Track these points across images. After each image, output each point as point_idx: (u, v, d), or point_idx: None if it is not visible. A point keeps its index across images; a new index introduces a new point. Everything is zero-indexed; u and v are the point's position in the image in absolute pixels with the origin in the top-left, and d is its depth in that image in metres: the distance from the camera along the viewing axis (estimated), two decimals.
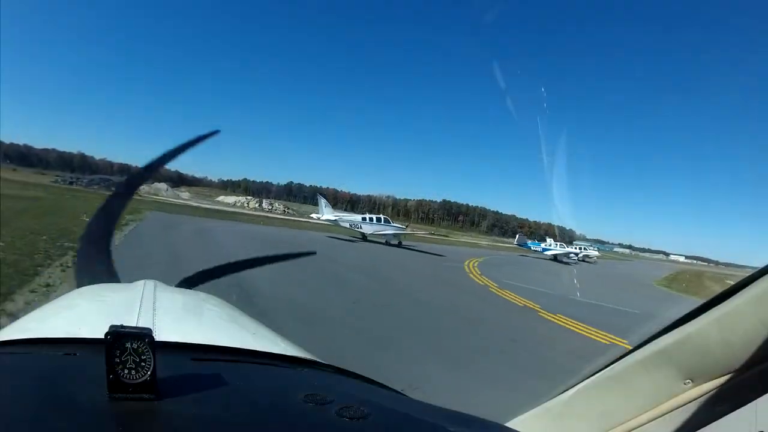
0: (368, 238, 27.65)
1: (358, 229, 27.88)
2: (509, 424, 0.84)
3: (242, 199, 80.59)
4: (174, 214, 28.49)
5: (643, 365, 0.63)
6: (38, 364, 0.69)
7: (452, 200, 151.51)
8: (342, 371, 0.97)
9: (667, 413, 0.61)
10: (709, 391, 0.57)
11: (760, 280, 0.51)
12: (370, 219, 28.96)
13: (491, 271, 20.37)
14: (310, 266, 12.61)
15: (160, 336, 0.74)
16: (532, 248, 39.64)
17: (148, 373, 0.57)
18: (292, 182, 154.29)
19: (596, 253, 46.81)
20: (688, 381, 0.58)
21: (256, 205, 75.23)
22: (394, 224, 30.15)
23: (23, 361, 0.70)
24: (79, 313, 1.11)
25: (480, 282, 16.04)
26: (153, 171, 1.83)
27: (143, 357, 0.57)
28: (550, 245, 38.16)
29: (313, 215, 30.45)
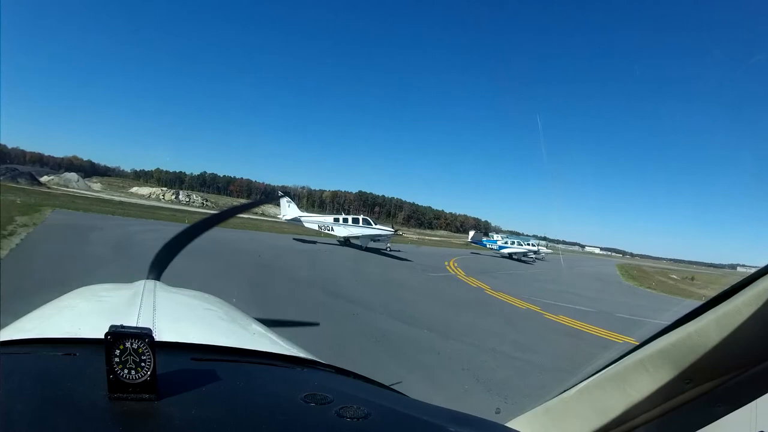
0: (351, 242, 24.06)
1: (329, 232, 24.30)
2: (509, 424, 0.84)
3: (157, 190, 73.22)
4: (85, 213, 21.56)
5: (643, 365, 0.62)
6: (38, 364, 0.69)
7: (368, 191, 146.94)
8: (342, 371, 0.97)
9: (667, 413, 0.61)
10: (709, 391, 0.57)
11: (760, 280, 0.51)
12: (344, 220, 24.99)
13: (495, 283, 16.71)
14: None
15: (160, 336, 0.74)
16: (487, 246, 37.89)
17: (148, 373, 0.57)
18: (205, 172, 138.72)
19: (546, 249, 44.24)
20: (688, 381, 0.58)
21: (173, 197, 68.57)
22: (379, 226, 25.63)
23: (23, 361, 0.70)
24: (79, 313, 1.11)
25: (521, 306, 12.26)
26: None
27: (143, 357, 0.57)
28: (506, 243, 36.75)
29: (280, 216, 25.83)
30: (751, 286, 0.52)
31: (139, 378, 0.57)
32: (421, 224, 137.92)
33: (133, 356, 0.57)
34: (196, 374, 0.70)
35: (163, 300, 1.17)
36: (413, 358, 6.31)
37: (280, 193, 27.53)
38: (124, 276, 1.66)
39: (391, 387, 0.96)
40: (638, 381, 0.63)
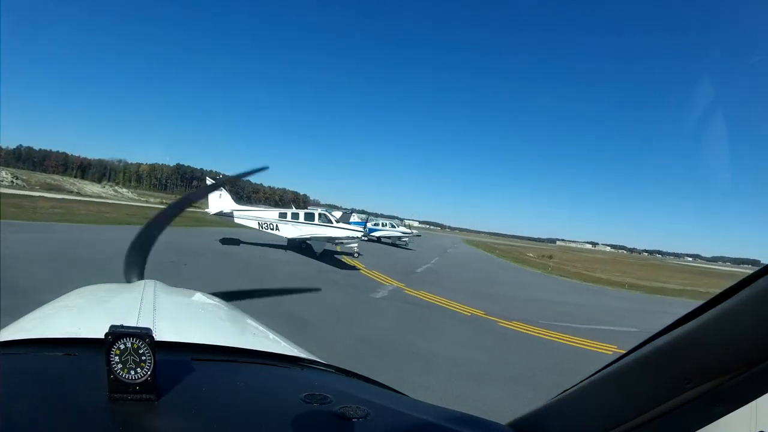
0: (306, 246, 16.72)
1: (273, 231, 17.02)
2: (509, 424, 0.84)
3: None
4: None
5: (643, 365, 0.62)
6: (38, 364, 0.69)
7: (186, 164, 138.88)
8: (342, 371, 0.97)
9: (667, 413, 0.61)
10: (709, 391, 0.57)
11: (760, 280, 0.51)
12: (294, 215, 17.26)
13: (456, 296, 11.77)
14: None
15: (160, 336, 0.74)
16: None
17: (148, 373, 0.57)
18: (21, 145, 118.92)
19: (414, 231, 39.72)
20: (688, 381, 0.58)
21: None
22: (342, 224, 18.07)
23: (23, 361, 0.70)
24: (79, 313, 1.11)
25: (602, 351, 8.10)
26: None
27: (143, 357, 0.57)
28: (377, 226, 33.21)
29: (207, 209, 17.96)
30: (751, 286, 0.52)
31: (139, 378, 0.57)
32: (240, 198, 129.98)
33: (133, 356, 0.57)
34: (196, 374, 0.70)
35: (163, 300, 1.17)
36: None
37: (209, 180, 17.74)
38: None
39: (391, 387, 0.96)
40: (638, 381, 0.63)
